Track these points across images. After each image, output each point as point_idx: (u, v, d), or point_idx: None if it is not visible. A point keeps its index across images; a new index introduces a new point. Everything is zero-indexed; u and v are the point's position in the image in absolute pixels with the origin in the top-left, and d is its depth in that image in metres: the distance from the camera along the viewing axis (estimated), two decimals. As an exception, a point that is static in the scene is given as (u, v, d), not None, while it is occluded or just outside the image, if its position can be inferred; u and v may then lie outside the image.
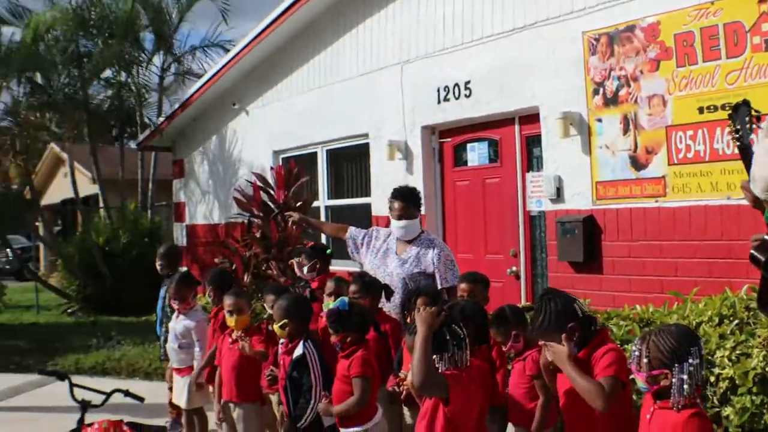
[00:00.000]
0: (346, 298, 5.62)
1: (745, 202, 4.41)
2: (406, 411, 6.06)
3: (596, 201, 8.28)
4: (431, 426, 4.16)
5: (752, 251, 4.09)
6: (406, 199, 6.98)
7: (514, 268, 9.39)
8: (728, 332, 5.25)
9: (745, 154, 3.88)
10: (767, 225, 4.06)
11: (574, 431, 4.40)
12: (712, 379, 4.97)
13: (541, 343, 4.29)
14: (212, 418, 7.42)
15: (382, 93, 11.05)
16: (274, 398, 6.56)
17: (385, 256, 7.06)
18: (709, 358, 5.07)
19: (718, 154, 7.19)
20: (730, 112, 3.92)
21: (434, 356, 4.11)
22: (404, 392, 5.13)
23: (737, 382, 4.89)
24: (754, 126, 3.89)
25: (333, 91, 12.16)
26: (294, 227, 7.53)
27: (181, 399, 7.67)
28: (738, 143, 3.91)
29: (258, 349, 6.47)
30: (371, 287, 6.48)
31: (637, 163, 7.87)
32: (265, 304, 6.90)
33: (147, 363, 11.42)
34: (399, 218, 6.95)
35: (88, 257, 18.16)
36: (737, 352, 5.04)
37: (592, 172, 8.30)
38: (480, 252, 9.85)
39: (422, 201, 7.22)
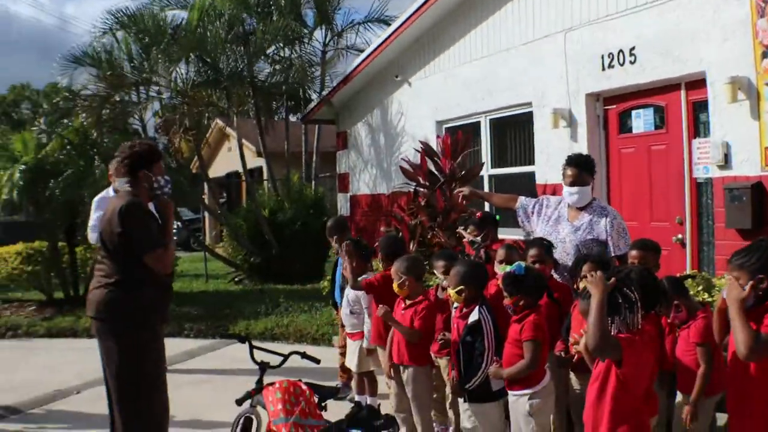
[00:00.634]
0: (522, 263, 5.79)
1: None
2: (573, 377, 6.20)
3: (765, 167, 8.15)
4: (603, 388, 4.28)
5: None
6: (579, 165, 7.08)
7: (679, 236, 9.34)
8: None
9: None
10: None
11: (735, 398, 4.48)
12: None
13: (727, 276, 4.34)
14: (382, 380, 7.74)
15: (545, 61, 11.08)
16: (442, 362, 6.78)
17: (556, 223, 7.18)
18: None
19: None
20: None
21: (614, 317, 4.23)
22: (576, 357, 5.26)
23: None
24: None
25: (495, 61, 12.23)
26: (463, 200, 7.66)
27: (352, 362, 8.01)
28: None
29: (406, 327, 6.74)
30: (551, 252, 6.66)
31: (806, 128, 7.72)
32: (435, 271, 7.09)
33: (314, 329, 11.86)
34: (571, 185, 7.04)
35: (254, 227, 18.80)
36: None
37: (760, 137, 8.16)
38: (645, 219, 9.83)
39: (595, 169, 7.27)
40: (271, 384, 5.90)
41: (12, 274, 14.91)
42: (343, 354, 8.74)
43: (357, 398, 8.11)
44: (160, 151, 6.45)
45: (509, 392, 5.74)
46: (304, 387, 5.89)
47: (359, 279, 7.48)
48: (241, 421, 6.38)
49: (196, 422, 7.70)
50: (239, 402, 6.06)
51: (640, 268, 5.04)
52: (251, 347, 6.47)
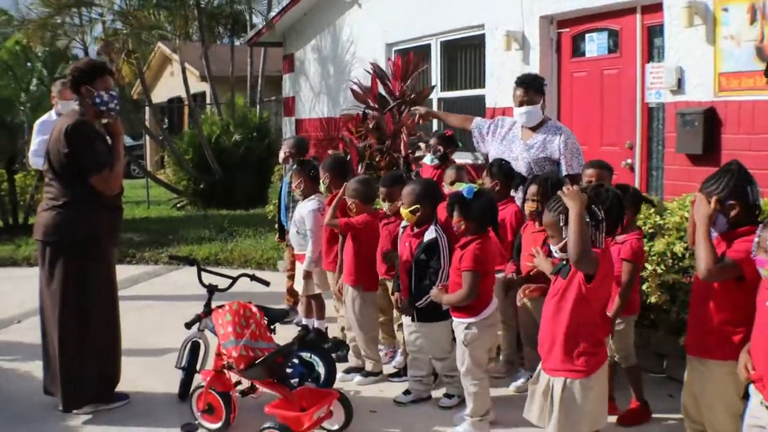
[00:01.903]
0: (475, 186, 5.66)
1: None
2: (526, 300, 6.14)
3: (718, 93, 8.11)
4: (561, 304, 4.23)
5: None
6: (526, 85, 7.04)
7: (629, 161, 9.33)
8: None
9: None
10: None
11: (696, 318, 4.52)
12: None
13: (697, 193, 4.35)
14: (330, 304, 7.66)
15: (498, -17, 10.90)
16: (390, 283, 6.69)
17: (510, 142, 7.15)
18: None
19: None
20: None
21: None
22: (533, 271, 5.25)
23: None
24: None
25: (447, -19, 12.02)
26: (419, 120, 7.54)
27: (299, 285, 7.90)
28: None
29: (333, 220, 6.75)
30: (508, 173, 6.58)
31: (763, 54, 7.66)
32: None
33: (259, 254, 11.76)
34: (520, 104, 7.01)
35: (197, 152, 18.60)
36: None
37: (715, 62, 8.11)
38: (595, 143, 9.78)
39: (544, 88, 7.20)
40: (221, 306, 5.77)
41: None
42: (290, 277, 8.64)
43: (304, 321, 8.01)
44: (102, 66, 6.29)
45: (453, 318, 5.69)
46: (254, 309, 5.77)
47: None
48: (189, 345, 6.30)
49: (143, 349, 7.54)
50: (188, 325, 5.93)
51: (605, 187, 4.99)
52: (199, 270, 6.33)
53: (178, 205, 19.28)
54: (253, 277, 6.42)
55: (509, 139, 7.18)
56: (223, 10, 18.94)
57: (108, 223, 6.13)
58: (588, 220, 4.11)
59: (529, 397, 4.41)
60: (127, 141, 27.23)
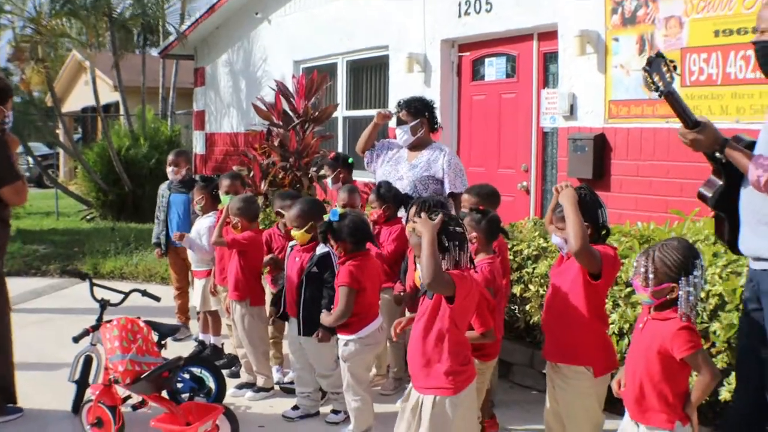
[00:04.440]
0: (338, 209, 5.81)
1: (753, 127, 4.48)
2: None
3: (608, 120, 8.41)
4: (429, 325, 4.36)
5: (700, 189, 4.33)
6: (404, 106, 7.29)
7: (524, 183, 9.58)
8: (722, 251, 5.39)
9: (674, 101, 4.02)
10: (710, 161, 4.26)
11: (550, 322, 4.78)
12: (703, 295, 5.13)
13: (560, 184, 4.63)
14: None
15: (403, 5, 11.10)
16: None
17: (396, 162, 7.33)
18: (701, 275, 5.27)
19: (730, 79, 7.26)
20: (645, 66, 4.03)
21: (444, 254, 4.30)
22: (410, 289, 5.44)
23: (726, 299, 5.04)
24: (674, 74, 4.03)
25: (355, 2, 12.21)
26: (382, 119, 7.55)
27: (196, 300, 7.96)
28: (659, 94, 4.03)
29: (219, 239, 6.85)
30: (387, 196, 6.70)
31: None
32: (281, 210, 7.05)
33: (164, 268, 11.66)
34: (398, 124, 7.27)
35: (107, 164, 18.36)
36: (728, 270, 5.18)
37: (606, 90, 8.41)
38: (493, 166, 10.03)
39: (430, 110, 7.38)
40: (109, 321, 5.81)
41: None
42: (178, 295, 8.71)
43: (201, 337, 8.06)
44: (11, 88, 6.38)
45: (339, 336, 5.83)
46: (141, 324, 5.82)
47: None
48: (82, 359, 6.30)
49: (41, 363, 7.50)
50: (76, 339, 5.94)
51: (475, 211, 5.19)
52: (91, 284, 6.35)
53: (88, 217, 18.99)
54: (144, 293, 6.46)
55: (395, 160, 7.35)
56: (136, 20, 18.74)
57: (5, 237, 6.21)
58: (447, 240, 4.26)
59: (400, 414, 4.52)
60: (41, 149, 26.90)
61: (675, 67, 4.04)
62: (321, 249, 6.00)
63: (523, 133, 9.62)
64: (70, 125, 32.56)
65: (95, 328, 5.97)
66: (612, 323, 5.56)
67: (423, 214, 4.33)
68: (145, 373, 5.46)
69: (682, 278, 3.76)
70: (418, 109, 7.26)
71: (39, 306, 10.30)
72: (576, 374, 4.54)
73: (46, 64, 17.91)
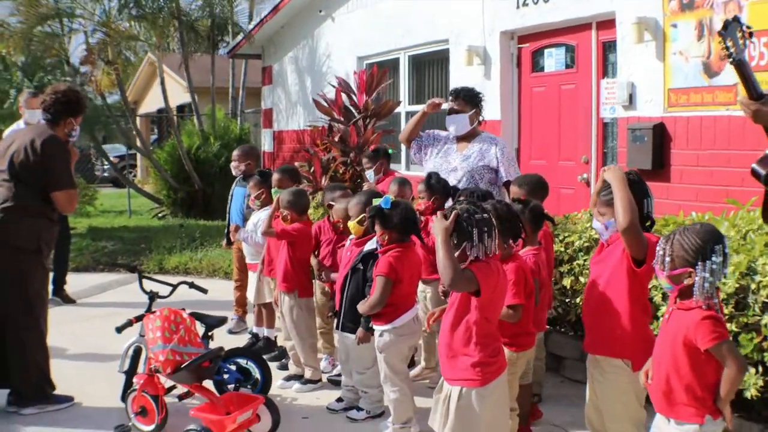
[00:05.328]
0: (390, 197, 5.72)
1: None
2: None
3: (668, 108, 8.21)
4: (459, 315, 4.26)
5: (753, 165, 4.12)
6: (455, 94, 7.24)
7: (585, 175, 9.40)
8: (775, 241, 5.20)
9: (743, 70, 3.85)
10: None
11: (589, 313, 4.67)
12: (753, 286, 4.94)
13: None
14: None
15: (462, -2, 11.01)
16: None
17: (446, 154, 7.24)
18: (752, 265, 5.04)
19: (793, 63, 7.04)
20: (721, 30, 3.86)
21: (465, 244, 4.20)
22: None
23: (778, 291, 4.86)
24: (747, 42, 3.84)
25: (415, -3, 12.14)
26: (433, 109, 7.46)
27: (251, 293, 7.97)
28: (731, 60, 3.85)
29: (270, 229, 6.80)
30: (437, 187, 6.59)
31: (709, 70, 7.76)
32: (332, 202, 7.03)
33: (227, 264, 11.72)
34: (450, 113, 7.20)
35: (178, 163, 18.57)
36: (781, 260, 5.00)
37: (665, 78, 8.21)
38: (553, 158, 9.88)
39: (481, 100, 7.31)
40: (152, 312, 5.84)
41: None
42: (237, 288, 8.71)
43: (255, 330, 8.08)
44: (85, 103, 6.60)
45: (374, 325, 5.76)
46: (185, 315, 5.83)
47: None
48: (131, 350, 6.34)
49: (98, 355, 7.61)
50: (119, 330, 5.99)
51: (495, 201, 5.09)
52: (140, 277, 6.41)
53: (159, 215, 19.23)
54: (192, 285, 6.48)
55: (445, 152, 7.25)
56: (204, 21, 18.92)
57: (52, 235, 6.36)
58: (469, 228, 4.14)
59: (434, 406, 4.43)
60: (120, 150, 27.33)
61: (751, 34, 3.88)
62: (370, 245, 5.95)
63: (583, 124, 9.45)
64: (146, 126, 33.16)
65: (139, 318, 5.99)
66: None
67: (438, 214, 4.25)
68: (185, 363, 5.46)
69: (699, 263, 3.59)
70: (473, 99, 7.22)
71: (104, 300, 10.43)
72: (614, 368, 4.40)
73: (116, 66, 18.14)
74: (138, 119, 31.07)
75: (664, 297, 5.43)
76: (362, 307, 5.62)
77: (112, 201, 22.94)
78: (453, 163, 7.12)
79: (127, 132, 20.98)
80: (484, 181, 6.98)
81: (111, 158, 24.34)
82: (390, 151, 8.21)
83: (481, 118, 7.31)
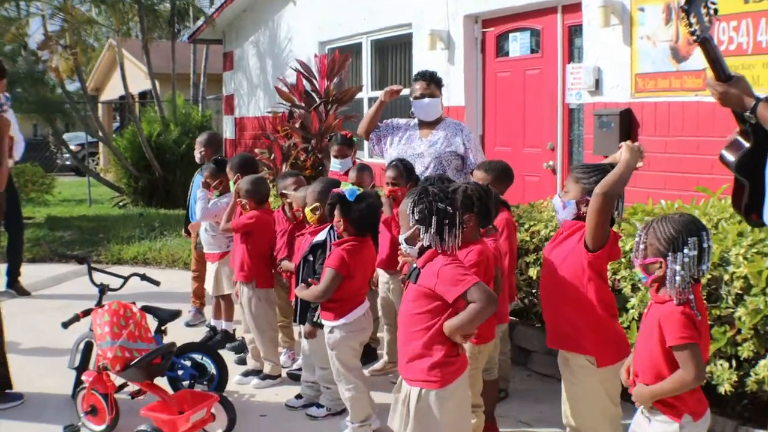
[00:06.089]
0: (358, 189, 5.47)
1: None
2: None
3: (635, 94, 8.05)
4: (414, 311, 4.05)
5: (722, 151, 3.92)
6: (426, 78, 6.98)
7: (551, 162, 9.23)
8: (748, 230, 5.02)
9: (708, 48, 3.66)
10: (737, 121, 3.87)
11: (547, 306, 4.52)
12: (726, 277, 4.78)
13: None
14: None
15: (425, -20, 10.78)
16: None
17: (409, 141, 7.00)
18: (725, 255, 4.89)
19: (762, 47, 6.88)
20: (683, 5, 3.66)
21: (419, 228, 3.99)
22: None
23: (752, 281, 4.67)
24: (713, 19, 3.65)
25: (378, -21, 11.91)
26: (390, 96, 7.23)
27: (209, 284, 7.75)
28: (695, 38, 3.65)
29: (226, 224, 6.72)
30: (413, 175, 6.36)
31: (678, 55, 7.60)
32: (284, 190, 6.78)
33: (186, 253, 11.49)
34: (422, 97, 6.90)
35: (138, 150, 18.30)
36: (754, 250, 4.79)
37: (632, 63, 8.05)
38: (518, 145, 9.71)
39: (443, 84, 7.15)
40: (101, 306, 5.60)
41: None
42: (195, 278, 8.47)
43: (213, 323, 7.85)
44: (4, 68, 6.20)
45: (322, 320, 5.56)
46: (135, 309, 5.59)
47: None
48: (82, 345, 6.11)
49: (51, 349, 7.43)
50: (65, 324, 5.74)
51: (465, 182, 4.86)
52: (90, 269, 6.15)
53: (120, 204, 18.95)
54: (143, 277, 6.25)
55: (407, 138, 7.03)
56: (164, 6, 18.62)
57: None
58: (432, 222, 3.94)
59: (393, 406, 4.22)
60: (81, 138, 26.92)
61: (716, 11, 3.67)
62: (320, 236, 5.73)
63: (548, 110, 9.27)
64: (109, 113, 32.74)
65: (87, 313, 5.74)
66: (631, 308, 5.22)
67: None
68: (135, 360, 5.23)
69: (670, 254, 3.41)
70: (440, 83, 7.05)
71: (59, 292, 10.20)
72: (580, 367, 4.21)
73: (74, 52, 17.79)
74: (100, 106, 30.74)
75: (634, 288, 5.28)
76: (304, 293, 5.42)
77: (72, 190, 22.62)
78: (418, 149, 6.89)
79: (87, 120, 20.64)
80: (452, 168, 6.78)
81: (73, 146, 23.97)
82: (354, 139, 7.96)
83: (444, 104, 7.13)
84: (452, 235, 3.94)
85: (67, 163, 29.32)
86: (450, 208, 3.95)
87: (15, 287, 9.81)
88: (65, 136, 28.50)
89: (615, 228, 4.30)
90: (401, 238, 4.15)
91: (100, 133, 20.35)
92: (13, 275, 9.78)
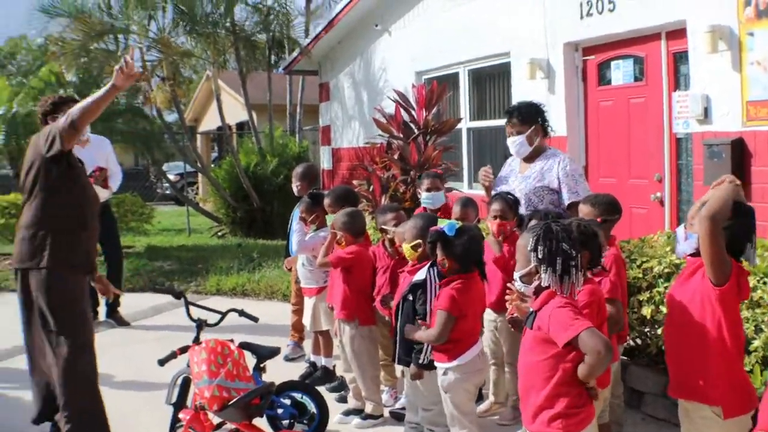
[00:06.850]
0: (456, 223, 5.29)
1: None
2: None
3: (746, 122, 7.73)
4: (532, 357, 3.86)
5: None
6: (511, 114, 6.73)
7: (658, 194, 8.93)
8: None
9: None
10: None
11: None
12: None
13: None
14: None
15: (523, 8, 10.63)
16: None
17: (507, 177, 6.79)
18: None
19: None
20: None
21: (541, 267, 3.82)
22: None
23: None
24: None
25: (474, 9, 11.77)
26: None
27: (307, 319, 7.64)
28: None
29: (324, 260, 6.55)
30: (517, 205, 6.16)
31: (791, 80, 7.29)
32: (384, 225, 6.63)
33: (285, 285, 11.45)
34: (510, 135, 6.68)
35: (236, 181, 18.42)
36: None
37: (742, 90, 7.73)
38: (623, 176, 9.44)
39: (541, 114, 6.76)
40: (198, 343, 5.52)
41: (-14, 227, 14.38)
42: (294, 312, 8.37)
43: (312, 358, 7.74)
44: (68, 99, 6.42)
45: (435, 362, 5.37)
46: (233, 347, 5.49)
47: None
48: (179, 381, 6.03)
49: (148, 384, 7.26)
50: (161, 362, 5.60)
51: (578, 219, 4.64)
52: (186, 304, 6.06)
53: (219, 234, 19.10)
54: (242, 313, 6.13)
55: (506, 175, 6.85)
56: (260, 37, 18.76)
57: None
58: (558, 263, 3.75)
59: None
60: (180, 168, 27.36)
61: None
62: (419, 275, 5.54)
63: (654, 139, 8.99)
64: (207, 144, 33.20)
65: (183, 350, 5.64)
66: (754, 351, 4.94)
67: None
68: (234, 400, 5.13)
69: None
70: (530, 115, 6.66)
71: (158, 323, 10.25)
72: (702, 419, 3.92)
73: (171, 83, 18.06)
74: (198, 137, 31.19)
75: (757, 330, 4.99)
76: (419, 335, 5.23)
77: (172, 219, 22.95)
78: (512, 185, 6.66)
79: (185, 150, 20.92)
80: (545, 203, 6.46)
81: (172, 176, 24.26)
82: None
83: (550, 131, 6.84)
84: (573, 277, 3.76)
85: (167, 192, 29.79)
86: (573, 250, 3.77)
87: (114, 317, 9.89)
88: (165, 166, 29.03)
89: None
90: (517, 275, 3.96)
91: (198, 164, 20.58)
92: (112, 305, 9.81)
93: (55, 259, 5.64)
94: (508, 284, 4.31)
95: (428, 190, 7.34)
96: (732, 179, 3.95)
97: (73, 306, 5.77)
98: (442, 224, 5.23)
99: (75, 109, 5.49)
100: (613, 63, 9.60)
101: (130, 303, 10.56)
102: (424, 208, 7.40)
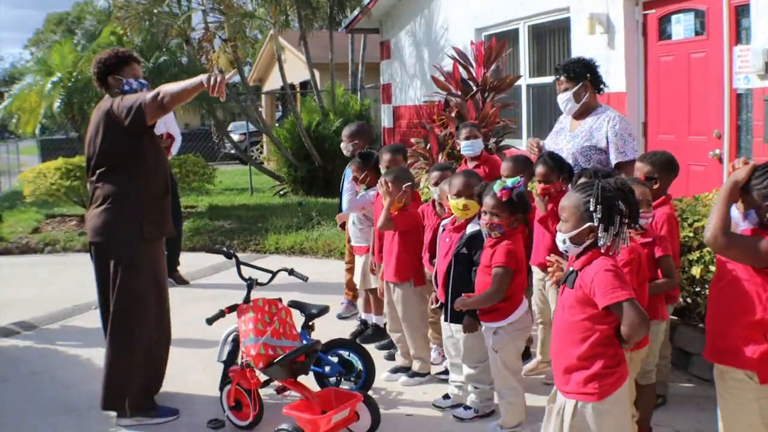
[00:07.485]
0: (518, 179, 5.25)
1: None
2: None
3: (809, 77, 7.50)
4: (569, 316, 3.80)
5: None
6: (559, 71, 6.60)
7: (717, 151, 8.71)
8: None
9: None
10: None
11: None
12: None
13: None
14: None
15: (583, -38, 10.40)
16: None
17: (557, 135, 6.70)
18: None
19: None
20: None
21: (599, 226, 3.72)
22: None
23: None
24: None
25: (535, -36, 11.57)
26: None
27: (357, 278, 7.65)
28: None
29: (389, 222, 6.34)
30: (562, 166, 6.00)
31: None
32: (430, 185, 6.58)
33: (342, 244, 11.45)
34: (559, 92, 6.57)
35: (297, 140, 18.51)
36: None
37: (806, 44, 7.50)
38: (683, 133, 9.22)
39: (592, 70, 6.58)
40: (247, 302, 5.56)
41: (51, 190, 14.52)
42: (348, 270, 8.37)
43: (363, 316, 7.76)
44: (128, 55, 6.11)
45: (482, 323, 5.33)
46: (281, 306, 5.54)
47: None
48: (230, 339, 6.12)
49: (202, 341, 7.39)
50: (209, 321, 5.64)
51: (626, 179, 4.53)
52: (238, 264, 6.10)
53: (280, 193, 19.23)
54: (291, 272, 6.17)
55: (556, 132, 6.74)
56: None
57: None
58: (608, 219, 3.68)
59: (546, 416, 3.97)
60: (249, 128, 27.57)
61: None
62: (471, 228, 5.53)
63: (714, 95, 8.73)
64: (271, 103, 33.33)
65: (231, 309, 5.68)
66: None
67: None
68: (278, 358, 5.16)
69: None
70: (578, 72, 6.49)
71: (217, 282, 10.40)
72: (735, 381, 3.80)
73: (233, 44, 18.12)
74: (263, 97, 31.31)
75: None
76: (475, 298, 5.20)
77: (235, 179, 23.16)
78: (560, 144, 6.55)
79: (248, 110, 21.03)
80: (592, 163, 6.31)
81: (237, 136, 24.32)
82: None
83: (602, 87, 6.64)
84: (624, 235, 3.72)
85: (233, 151, 30.04)
86: (626, 208, 3.70)
87: (174, 276, 10.01)
88: (232, 126, 29.16)
89: None
90: (565, 236, 3.82)
91: (261, 123, 20.66)
92: (172, 265, 9.93)
93: (151, 226, 5.78)
94: (547, 257, 4.27)
95: (467, 138, 7.23)
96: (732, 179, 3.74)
97: (159, 270, 6.07)
98: (508, 182, 5.15)
99: (167, 91, 5.43)
100: (673, 17, 9.33)
101: (189, 262, 10.71)
102: (464, 159, 7.35)
